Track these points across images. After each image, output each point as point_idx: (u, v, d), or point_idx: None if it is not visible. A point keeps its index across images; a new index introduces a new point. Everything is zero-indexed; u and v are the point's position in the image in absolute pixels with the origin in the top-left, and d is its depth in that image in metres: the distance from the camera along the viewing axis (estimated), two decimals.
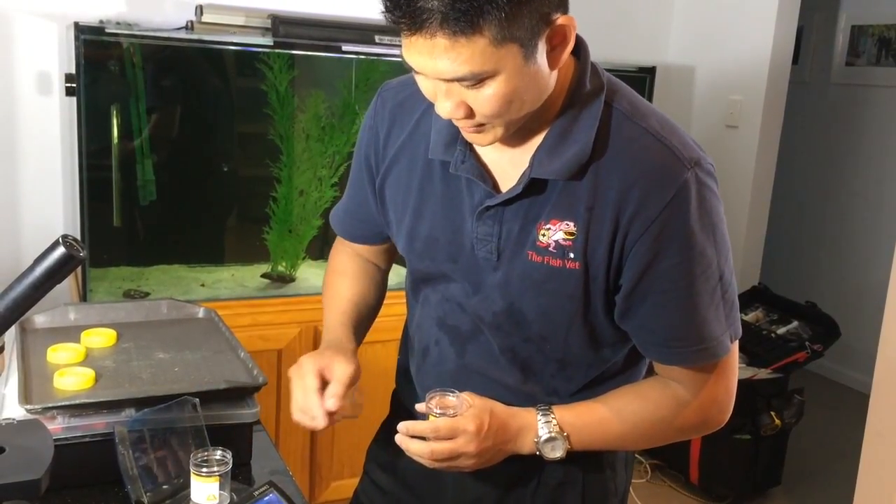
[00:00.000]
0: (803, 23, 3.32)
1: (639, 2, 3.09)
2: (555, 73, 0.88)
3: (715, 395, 0.99)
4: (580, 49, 0.94)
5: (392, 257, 1.21)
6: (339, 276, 1.19)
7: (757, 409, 2.54)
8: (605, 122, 0.91)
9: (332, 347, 1.05)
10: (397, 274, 1.32)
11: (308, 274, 2.36)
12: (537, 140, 0.93)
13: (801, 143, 3.91)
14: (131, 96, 2.09)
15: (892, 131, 3.56)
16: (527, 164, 0.93)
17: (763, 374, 2.56)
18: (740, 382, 2.60)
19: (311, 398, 0.98)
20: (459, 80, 0.82)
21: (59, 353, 1.11)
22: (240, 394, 1.06)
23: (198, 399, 0.99)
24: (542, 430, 0.97)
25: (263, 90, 2.21)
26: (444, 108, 0.86)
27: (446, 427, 0.93)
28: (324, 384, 0.99)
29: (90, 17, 2.14)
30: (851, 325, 3.06)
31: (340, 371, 1.00)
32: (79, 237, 2.04)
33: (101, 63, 2.04)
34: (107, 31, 1.99)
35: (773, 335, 2.72)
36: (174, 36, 2.16)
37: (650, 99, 2.73)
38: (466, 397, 0.96)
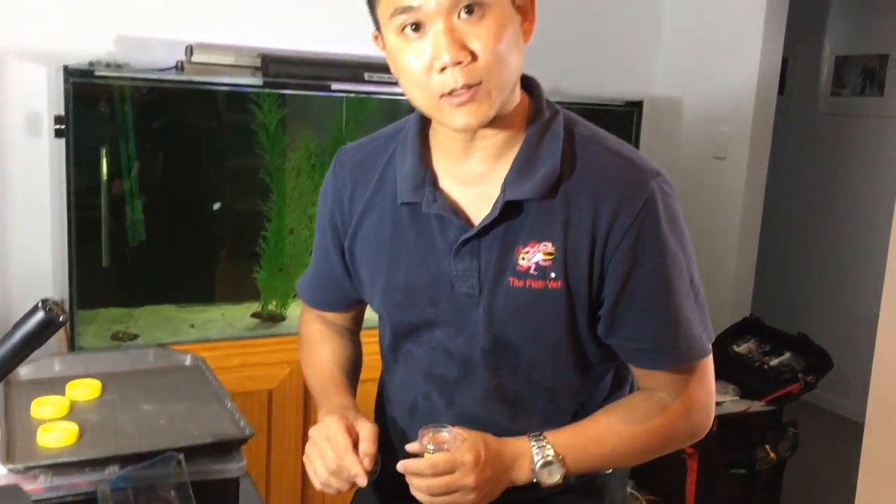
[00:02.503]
0: (788, 54, 3.36)
1: (624, 36, 3.13)
2: (520, 61, 0.93)
3: (698, 398, 1.02)
4: (531, 85, 1.00)
5: (361, 320, 1.22)
6: (316, 345, 1.19)
7: (752, 442, 2.52)
8: (567, 144, 0.97)
9: (341, 412, 1.04)
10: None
11: (299, 313, 2.34)
12: (503, 170, 0.97)
13: (788, 173, 3.94)
14: (121, 137, 2.10)
15: (879, 160, 3.59)
16: (496, 195, 0.96)
17: (757, 406, 2.55)
18: (735, 416, 2.61)
19: (348, 457, 0.96)
20: (461, 4, 0.85)
21: (42, 408, 1.10)
22: (226, 447, 1.05)
23: (182, 455, 0.98)
24: (537, 455, 0.97)
25: (254, 129, 2.21)
26: (448, 51, 0.86)
27: (444, 461, 0.93)
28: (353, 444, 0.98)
29: (80, 57, 2.16)
30: (843, 354, 3.06)
31: (368, 429, 0.99)
32: (67, 278, 2.04)
33: (91, 105, 2.04)
34: (96, 73, 1.99)
35: (765, 367, 2.71)
36: (164, 77, 2.17)
37: (638, 132, 2.74)
38: (459, 431, 0.96)
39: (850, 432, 3.15)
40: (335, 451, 0.97)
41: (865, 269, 3.60)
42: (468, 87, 0.88)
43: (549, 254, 0.95)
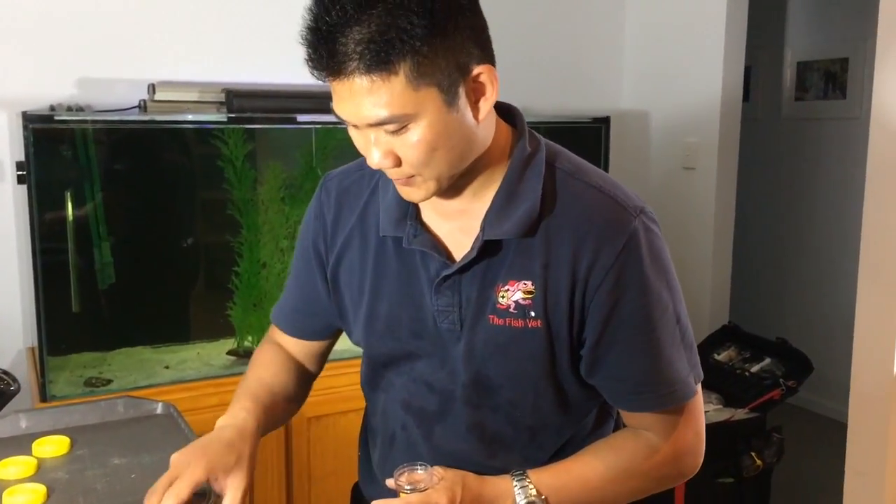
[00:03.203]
0: (751, 62, 3.41)
1: (588, 53, 3.15)
2: (487, 127, 0.92)
3: (686, 440, 1.00)
4: (515, 116, 0.98)
5: (323, 364, 1.19)
6: (260, 367, 1.14)
7: (737, 450, 2.52)
8: (549, 180, 0.95)
9: (231, 434, 0.98)
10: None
11: None
12: (484, 205, 0.95)
13: (757, 180, 3.98)
14: (85, 180, 2.07)
15: (845, 162, 3.64)
16: (476, 230, 0.95)
17: (740, 414, 2.55)
18: (719, 425, 2.61)
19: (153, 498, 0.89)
20: (382, 123, 0.84)
21: (8, 469, 1.07)
22: (199, 497, 1.02)
23: None
24: (520, 495, 0.95)
25: (221, 165, 2.20)
26: (374, 157, 0.88)
27: (419, 502, 0.91)
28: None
29: (42, 101, 2.13)
30: (823, 355, 3.08)
31: (234, 490, 0.94)
32: (36, 326, 2.00)
33: (52, 149, 2.02)
34: (55, 118, 1.97)
35: (746, 374, 2.72)
36: (125, 118, 2.15)
37: (607, 147, 2.76)
38: (437, 470, 0.95)
39: (834, 433, 3.16)
40: (160, 484, 0.91)
41: (840, 270, 3.64)
42: (403, 178, 0.90)
43: (529, 292, 0.93)
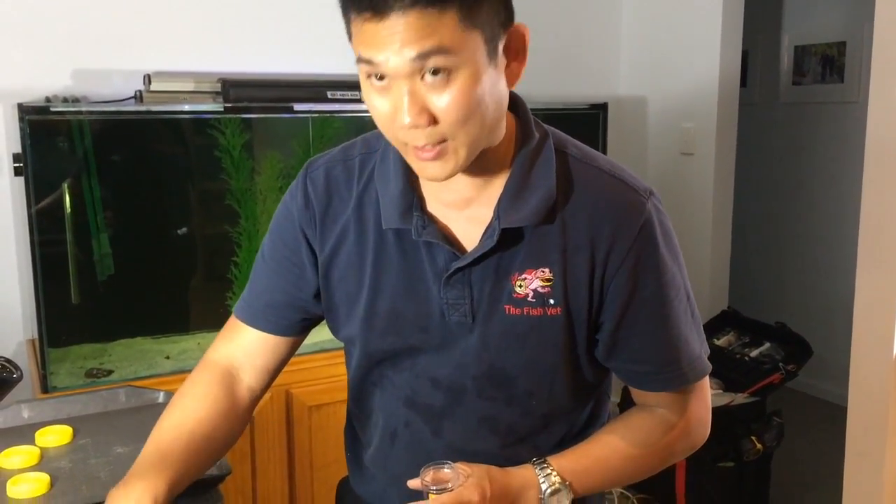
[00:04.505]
0: (748, 46, 3.40)
1: (585, 39, 3.14)
2: (506, 106, 0.90)
3: (699, 414, 1.02)
4: (517, 105, 0.96)
5: (279, 370, 1.09)
6: (187, 417, 0.99)
7: (737, 435, 2.53)
8: (561, 166, 0.94)
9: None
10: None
11: None
12: (493, 194, 0.93)
13: (755, 164, 3.98)
14: (82, 171, 2.06)
15: (843, 145, 3.63)
16: (487, 220, 0.93)
17: (740, 399, 2.56)
18: (719, 410, 2.62)
19: None
20: (428, 55, 0.79)
21: (11, 458, 1.07)
22: (203, 486, 1.02)
23: None
24: (544, 483, 0.95)
25: (218, 155, 2.19)
26: (408, 114, 0.81)
27: (451, 502, 0.90)
28: None
29: (38, 93, 2.13)
30: (822, 339, 3.09)
31: None
32: (36, 318, 2.00)
33: (49, 140, 2.01)
34: (51, 109, 1.96)
35: (746, 358, 2.72)
36: (122, 109, 2.14)
37: (605, 133, 2.76)
38: (462, 467, 0.94)
39: (834, 416, 3.18)
40: None
41: (838, 254, 3.64)
42: (432, 145, 0.84)
43: (548, 280, 0.92)
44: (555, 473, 0.96)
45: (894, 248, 1.96)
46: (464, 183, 0.93)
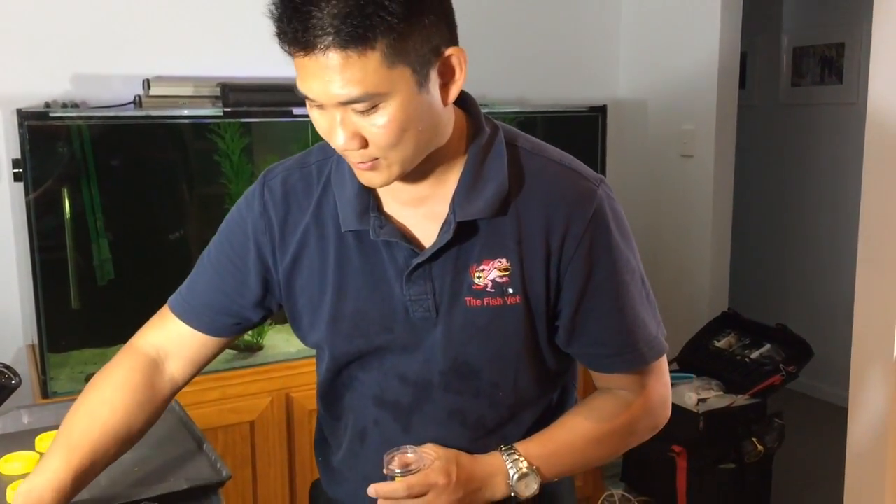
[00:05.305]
0: (747, 48, 3.40)
1: (585, 42, 3.14)
2: (449, 112, 0.92)
3: (658, 392, 1.05)
4: (468, 101, 0.98)
5: (206, 363, 1.10)
6: (101, 404, 0.99)
7: (738, 436, 2.53)
8: (513, 159, 0.96)
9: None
10: None
11: (276, 340, 2.32)
12: (448, 190, 0.96)
13: (755, 166, 3.98)
14: (82, 176, 2.06)
15: (842, 147, 3.64)
16: (443, 216, 0.95)
17: (741, 400, 2.56)
18: (720, 412, 2.61)
19: None
20: (353, 101, 0.82)
21: (11, 464, 1.07)
22: (203, 491, 1.03)
23: (158, 503, 0.95)
24: (512, 469, 0.97)
25: (217, 159, 2.19)
26: (339, 138, 0.86)
27: (419, 483, 0.92)
28: None
29: (37, 99, 2.13)
30: (822, 340, 3.08)
31: None
32: (36, 323, 2.00)
33: (48, 146, 2.01)
34: (50, 114, 1.96)
35: (746, 360, 2.72)
36: (121, 114, 2.14)
37: (604, 136, 2.75)
38: (429, 450, 0.96)
39: (835, 417, 3.17)
40: None
41: (838, 255, 3.64)
42: (365, 161, 0.88)
43: (505, 269, 0.95)
44: (522, 459, 0.98)
45: (894, 249, 1.96)
46: (417, 181, 0.96)
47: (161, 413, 1.06)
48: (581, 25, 3.13)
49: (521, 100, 2.84)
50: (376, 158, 0.88)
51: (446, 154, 0.95)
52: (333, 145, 0.88)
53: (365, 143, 0.86)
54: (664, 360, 1.06)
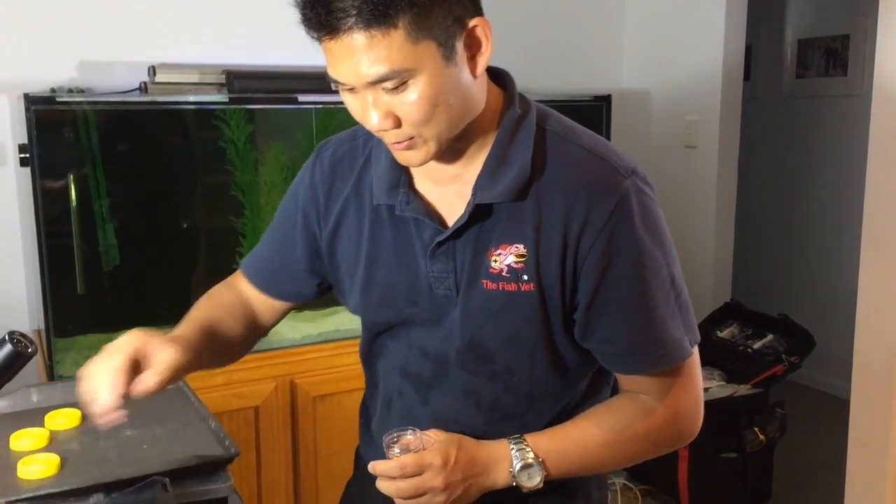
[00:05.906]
0: (752, 40, 3.40)
1: (589, 32, 3.14)
2: (481, 85, 0.92)
3: (684, 403, 1.00)
4: (505, 79, 0.98)
5: (279, 320, 1.18)
6: (213, 307, 1.11)
7: (740, 425, 2.54)
8: (540, 143, 0.95)
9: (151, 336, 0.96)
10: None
11: (281, 326, 2.30)
12: (476, 169, 0.95)
13: (759, 158, 3.98)
14: (88, 162, 2.07)
15: (846, 139, 3.64)
16: (469, 195, 0.95)
17: (743, 390, 2.57)
18: (722, 401, 2.62)
19: (103, 377, 0.92)
20: (381, 80, 0.83)
21: (21, 440, 1.08)
22: (212, 467, 1.04)
23: (168, 478, 0.96)
24: (516, 458, 0.96)
25: (222, 146, 2.20)
26: (373, 119, 0.87)
27: (412, 463, 0.93)
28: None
29: (43, 84, 2.13)
30: (825, 332, 3.09)
31: (163, 357, 0.92)
32: (42, 307, 2.01)
33: (55, 131, 2.02)
34: (57, 100, 1.97)
35: (749, 350, 2.73)
36: (127, 99, 2.15)
37: (609, 126, 2.76)
38: (432, 435, 0.96)
39: (836, 408, 3.18)
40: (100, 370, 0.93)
41: (841, 247, 3.64)
42: (401, 141, 0.89)
43: (521, 256, 0.93)
44: (528, 449, 0.96)
45: None
46: (450, 161, 0.96)
47: (255, 342, 1.16)
48: (586, 15, 3.13)
49: (526, 89, 2.80)
50: (412, 137, 0.88)
51: (478, 133, 0.94)
52: (368, 127, 0.89)
53: (398, 123, 0.87)
54: (692, 369, 0.99)
